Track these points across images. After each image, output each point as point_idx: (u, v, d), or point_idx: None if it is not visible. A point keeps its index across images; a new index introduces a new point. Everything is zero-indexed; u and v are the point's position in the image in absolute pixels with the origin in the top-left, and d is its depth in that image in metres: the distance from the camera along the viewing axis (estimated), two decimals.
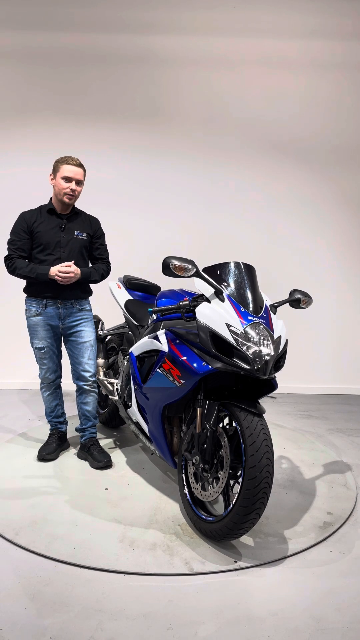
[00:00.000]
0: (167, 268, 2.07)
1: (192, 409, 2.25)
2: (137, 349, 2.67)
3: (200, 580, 1.91)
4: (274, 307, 2.27)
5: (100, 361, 3.46)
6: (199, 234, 4.64)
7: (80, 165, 2.79)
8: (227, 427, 2.14)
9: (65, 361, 3.03)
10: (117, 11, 4.43)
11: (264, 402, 2.35)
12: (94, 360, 2.98)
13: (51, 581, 1.87)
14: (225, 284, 2.16)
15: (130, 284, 3.37)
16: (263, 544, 2.14)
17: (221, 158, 4.64)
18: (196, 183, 4.65)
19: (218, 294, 2.12)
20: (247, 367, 1.96)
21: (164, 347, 2.31)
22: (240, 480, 1.96)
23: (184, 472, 2.31)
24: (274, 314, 2.20)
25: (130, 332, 3.15)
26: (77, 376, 2.96)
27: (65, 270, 2.70)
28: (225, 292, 2.13)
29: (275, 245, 4.72)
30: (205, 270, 2.23)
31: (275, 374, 2.08)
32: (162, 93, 4.57)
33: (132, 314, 3.12)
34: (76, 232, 2.86)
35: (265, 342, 2.00)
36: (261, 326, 2.03)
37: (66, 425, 3.18)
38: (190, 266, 2.08)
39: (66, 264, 2.73)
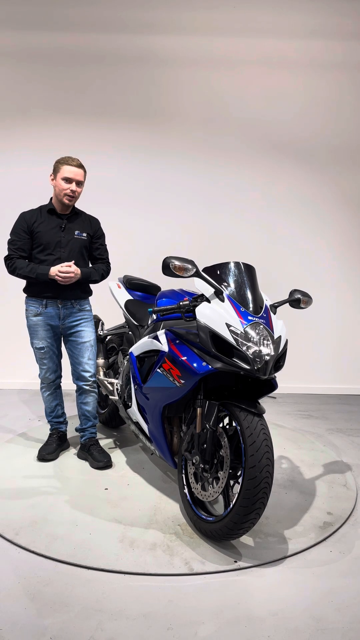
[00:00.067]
0: (167, 268, 2.07)
1: (192, 409, 2.25)
2: (137, 349, 2.67)
3: (200, 580, 1.91)
4: (274, 307, 2.27)
5: (100, 361, 3.46)
6: (199, 234, 4.64)
7: (80, 166, 2.79)
8: (227, 427, 2.14)
9: (65, 361, 3.03)
10: (117, 11, 4.43)
11: (264, 402, 2.35)
12: (94, 360, 2.98)
13: (51, 581, 1.87)
14: (225, 284, 2.16)
15: (130, 284, 3.37)
16: (263, 544, 2.14)
17: (221, 158, 4.64)
18: (196, 183, 4.65)
19: (218, 294, 2.12)
20: (247, 367, 1.96)
21: (164, 347, 2.31)
22: (240, 480, 1.96)
23: (184, 472, 2.31)
24: (274, 314, 2.20)
25: (130, 332, 3.15)
26: (77, 376, 2.96)
27: (65, 270, 2.70)
28: (225, 292, 2.13)
29: (275, 245, 4.72)
30: (205, 270, 2.23)
31: (275, 374, 2.08)
32: (162, 93, 4.57)
33: (132, 314, 3.12)
34: (76, 232, 2.86)
35: (265, 342, 2.00)
36: (261, 326, 2.03)
37: (66, 425, 3.18)
38: (190, 266, 2.08)
39: (66, 264, 2.73)
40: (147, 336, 2.57)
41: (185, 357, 2.14)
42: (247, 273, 2.22)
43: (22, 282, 2.90)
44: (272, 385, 2.15)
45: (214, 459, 2.11)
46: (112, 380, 3.25)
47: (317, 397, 4.71)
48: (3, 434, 3.44)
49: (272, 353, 1.99)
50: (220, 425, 2.14)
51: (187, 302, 2.20)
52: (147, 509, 2.42)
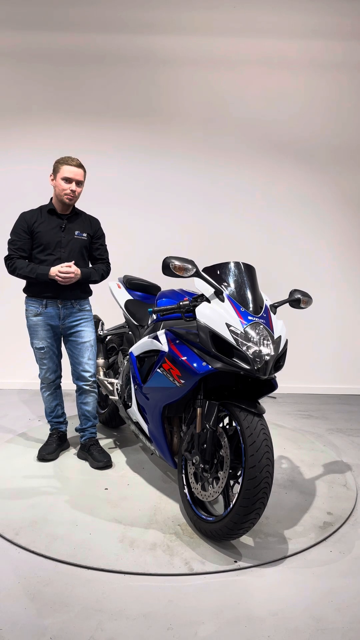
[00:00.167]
0: (167, 268, 2.07)
1: (192, 409, 2.25)
2: (137, 349, 2.67)
3: (200, 580, 1.91)
4: (274, 307, 2.27)
5: (100, 361, 3.46)
6: (199, 234, 4.64)
7: (80, 165, 2.79)
8: (227, 427, 2.14)
9: (65, 361, 3.03)
10: (117, 11, 4.43)
11: (264, 402, 2.35)
12: (94, 361, 2.98)
13: (51, 581, 1.87)
14: (225, 284, 2.16)
15: (130, 284, 3.37)
16: (263, 544, 2.14)
17: (221, 158, 4.64)
18: (196, 183, 4.65)
19: (218, 294, 2.12)
20: (247, 367, 1.96)
21: (164, 347, 2.31)
22: (240, 480, 1.96)
23: (184, 472, 2.31)
24: (274, 314, 2.20)
25: (130, 332, 3.15)
26: (77, 376, 2.96)
27: (65, 270, 2.70)
28: (225, 292, 2.13)
29: (275, 245, 4.72)
30: (205, 270, 2.23)
31: (275, 374, 2.08)
32: (162, 93, 4.57)
33: (132, 314, 3.12)
34: (76, 233, 2.86)
35: (265, 342, 2.00)
36: (261, 326, 2.03)
37: (66, 425, 3.18)
38: (190, 266, 2.08)
39: (66, 264, 2.73)
40: (147, 336, 2.57)
41: (185, 357, 2.14)
42: (247, 273, 2.22)
43: (22, 282, 2.90)
44: (272, 385, 2.15)
45: (214, 459, 2.11)
46: (112, 380, 3.25)
47: (317, 397, 4.71)
48: (3, 434, 3.44)
49: (272, 353, 1.99)
50: (220, 425, 2.14)
51: (187, 302, 2.20)
52: (147, 509, 2.42)
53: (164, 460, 2.49)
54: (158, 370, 2.32)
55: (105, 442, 3.25)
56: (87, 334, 2.93)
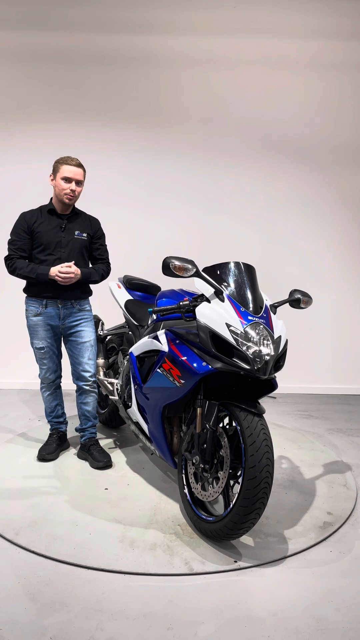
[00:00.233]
0: (167, 268, 2.07)
1: (192, 409, 2.25)
2: (137, 349, 2.67)
3: (200, 580, 1.91)
4: (274, 307, 2.27)
5: (100, 361, 3.46)
6: (199, 234, 4.64)
7: (79, 165, 2.79)
8: (227, 427, 2.14)
9: (65, 361, 3.03)
10: (117, 11, 4.43)
11: (264, 402, 2.35)
12: (94, 360, 2.98)
13: (51, 581, 1.87)
14: (225, 284, 2.16)
15: (130, 284, 3.37)
16: (263, 544, 2.14)
17: (221, 158, 4.64)
18: (196, 183, 4.65)
19: (218, 294, 2.12)
20: (247, 367, 1.96)
21: (164, 347, 2.31)
22: (240, 480, 1.96)
23: (184, 472, 2.31)
24: (274, 314, 2.20)
25: (130, 332, 3.15)
26: (77, 376, 2.96)
27: (65, 270, 2.70)
28: (225, 292, 2.13)
29: (275, 245, 4.72)
30: (205, 270, 2.23)
31: (275, 374, 2.08)
32: (162, 93, 4.57)
33: (132, 314, 3.12)
34: (76, 233, 2.86)
35: (265, 342, 2.00)
36: (261, 326, 2.03)
37: (66, 425, 3.18)
38: (190, 266, 2.08)
39: (66, 264, 2.73)
40: (147, 336, 2.57)
41: (185, 357, 2.14)
42: (247, 273, 2.22)
43: (22, 282, 2.90)
44: (272, 385, 2.15)
45: (214, 459, 2.11)
46: (112, 380, 3.25)
47: (317, 397, 4.71)
48: (3, 434, 3.44)
49: (272, 353, 1.99)
50: (220, 425, 2.14)
51: (187, 302, 2.20)
52: (147, 509, 2.42)
53: (164, 460, 2.49)
54: (158, 370, 2.32)
55: (105, 442, 3.25)
56: (87, 334, 2.93)
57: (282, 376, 2.40)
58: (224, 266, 2.22)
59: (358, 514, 2.46)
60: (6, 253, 2.82)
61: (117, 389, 3.10)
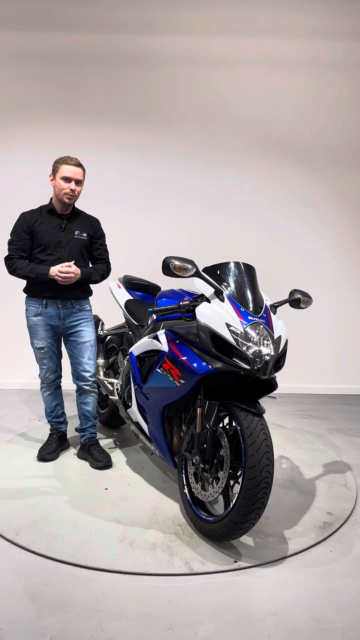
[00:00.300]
0: (167, 268, 2.07)
1: (192, 409, 2.25)
2: (137, 349, 2.67)
3: (200, 580, 1.91)
4: (274, 307, 2.27)
5: (100, 361, 3.46)
6: (199, 234, 4.64)
7: (79, 165, 2.79)
8: (227, 427, 2.14)
9: (65, 361, 3.03)
10: (116, 11, 4.43)
11: (264, 402, 2.35)
12: (94, 360, 2.98)
13: (51, 581, 1.87)
14: (225, 284, 2.16)
15: (130, 284, 3.37)
16: (263, 544, 2.14)
17: (221, 158, 4.64)
18: (196, 183, 4.65)
19: (218, 294, 2.12)
20: (247, 367, 1.96)
21: (164, 347, 2.31)
22: (240, 480, 1.96)
23: (184, 472, 2.31)
24: (274, 314, 2.20)
25: (130, 332, 3.15)
26: (77, 376, 2.96)
27: (65, 270, 2.70)
28: (225, 292, 2.13)
29: (275, 245, 4.72)
30: (205, 270, 2.23)
31: (275, 374, 2.08)
32: (162, 93, 4.57)
33: (132, 314, 3.12)
34: (76, 233, 2.86)
35: (265, 342, 2.00)
36: (261, 326, 2.03)
37: (66, 425, 3.18)
38: (190, 266, 2.08)
39: (66, 264, 2.73)
40: (147, 336, 2.57)
41: (185, 357, 2.14)
42: (247, 273, 2.22)
43: (22, 282, 2.90)
44: (272, 385, 2.15)
45: (214, 459, 2.11)
46: (112, 380, 3.25)
47: (317, 397, 4.71)
48: (3, 434, 3.44)
49: (272, 353, 1.99)
50: (220, 425, 2.14)
51: (187, 302, 2.20)
52: (147, 509, 2.42)
53: (164, 460, 2.49)
54: (158, 370, 2.32)
55: (105, 442, 3.25)
56: (87, 334, 2.93)
57: (282, 376, 2.40)
58: (224, 266, 2.22)
59: (358, 514, 2.46)
60: (6, 253, 2.82)
61: (117, 389, 3.10)
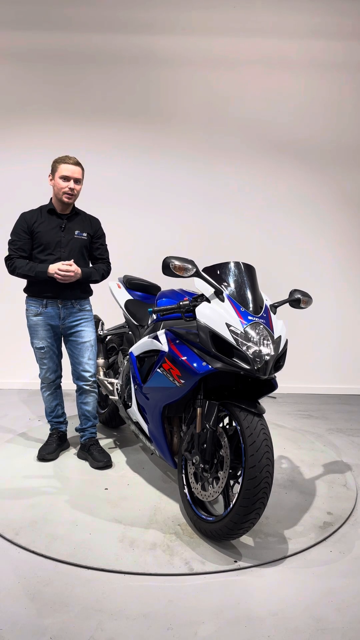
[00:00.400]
0: (167, 268, 2.07)
1: (192, 409, 2.25)
2: (137, 349, 2.67)
3: (200, 580, 1.90)
4: (274, 307, 2.27)
5: (100, 361, 3.46)
6: (199, 234, 4.64)
7: (78, 163, 2.79)
8: (227, 427, 2.14)
9: (65, 361, 3.03)
10: (116, 11, 4.43)
11: (264, 402, 2.35)
12: (94, 360, 2.98)
13: (51, 581, 1.87)
14: (225, 284, 2.16)
15: (130, 284, 3.37)
16: (263, 544, 2.14)
17: (221, 158, 4.64)
18: (196, 183, 4.65)
19: (218, 294, 2.12)
20: (247, 367, 1.96)
21: (164, 347, 2.31)
22: (240, 480, 1.96)
23: (184, 472, 2.31)
24: (274, 314, 2.20)
25: (130, 332, 3.15)
26: (77, 376, 2.96)
27: (65, 268, 2.70)
28: (225, 292, 2.13)
29: (275, 245, 4.72)
30: (205, 270, 2.23)
31: (275, 374, 2.08)
32: (162, 93, 4.57)
33: (132, 314, 3.12)
34: (76, 232, 2.86)
35: (265, 342, 2.00)
36: (261, 326, 2.03)
37: (66, 425, 3.18)
38: (190, 266, 2.08)
39: (67, 262, 2.73)
40: (147, 336, 2.57)
41: (185, 357, 2.14)
42: (247, 273, 2.22)
43: (23, 282, 2.90)
44: (272, 385, 2.15)
45: (214, 459, 2.11)
46: (112, 380, 3.25)
47: (317, 397, 4.71)
48: (3, 434, 3.44)
49: (272, 353, 1.99)
50: (220, 425, 2.14)
51: (187, 302, 2.20)
52: (147, 509, 2.42)
53: (164, 460, 2.49)
54: (158, 370, 2.32)
55: (105, 442, 3.25)
56: (87, 334, 2.93)
57: (282, 376, 2.40)
58: (224, 266, 2.22)
59: (358, 514, 2.46)
60: (6, 253, 2.82)
61: (117, 389, 3.10)
